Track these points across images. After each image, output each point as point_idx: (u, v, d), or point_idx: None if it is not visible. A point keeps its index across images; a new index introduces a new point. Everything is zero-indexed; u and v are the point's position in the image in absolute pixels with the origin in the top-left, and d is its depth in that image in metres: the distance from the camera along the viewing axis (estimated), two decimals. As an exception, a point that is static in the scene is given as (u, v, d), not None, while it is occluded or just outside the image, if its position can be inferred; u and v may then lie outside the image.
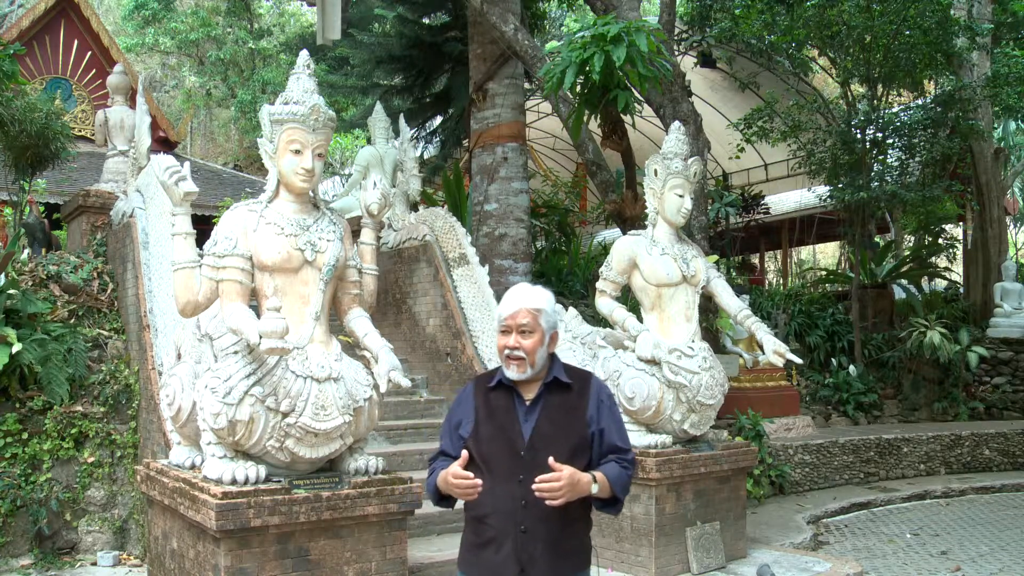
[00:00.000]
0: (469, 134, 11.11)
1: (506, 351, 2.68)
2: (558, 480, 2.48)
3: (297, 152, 4.30)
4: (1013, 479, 9.66)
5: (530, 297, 2.71)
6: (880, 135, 11.83)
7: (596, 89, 7.02)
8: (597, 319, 7.28)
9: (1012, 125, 17.54)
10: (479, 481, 2.57)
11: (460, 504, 2.77)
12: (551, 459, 2.50)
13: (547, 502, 2.50)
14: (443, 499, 2.76)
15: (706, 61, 15.32)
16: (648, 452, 5.55)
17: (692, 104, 8.71)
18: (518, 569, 2.62)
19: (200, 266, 4.23)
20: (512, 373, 2.68)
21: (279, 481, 4.19)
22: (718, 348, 9.08)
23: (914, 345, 11.11)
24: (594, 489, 2.59)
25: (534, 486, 2.49)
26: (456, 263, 8.21)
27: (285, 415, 4.08)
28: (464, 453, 2.62)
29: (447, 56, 13.48)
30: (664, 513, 5.60)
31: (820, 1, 10.66)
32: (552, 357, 2.75)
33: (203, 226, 6.10)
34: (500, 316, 2.72)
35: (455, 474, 2.57)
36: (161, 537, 4.80)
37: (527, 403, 2.70)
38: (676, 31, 11.62)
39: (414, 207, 9.99)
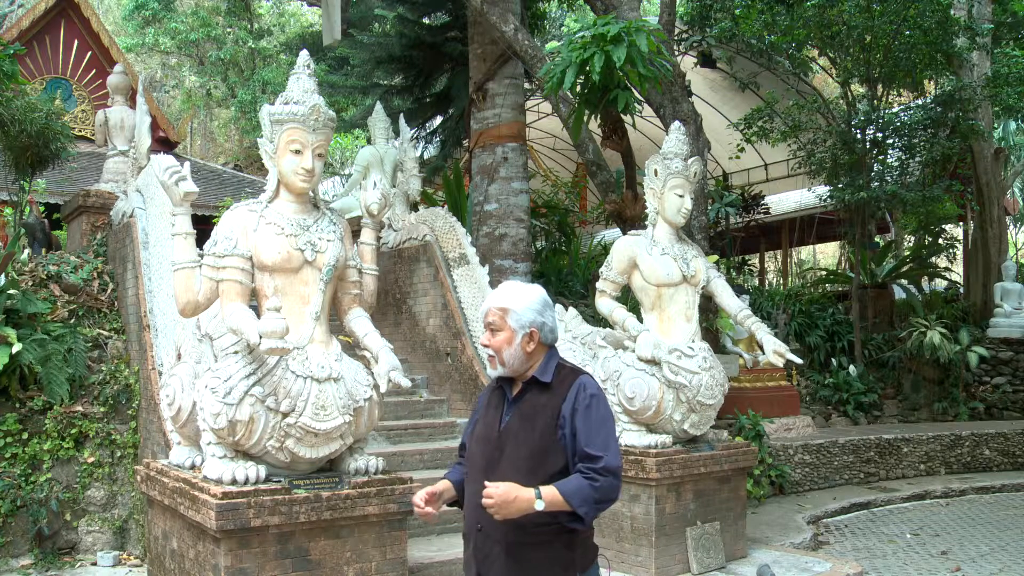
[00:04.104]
0: (469, 134, 11.10)
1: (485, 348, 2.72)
2: (489, 497, 2.39)
3: (297, 152, 4.31)
4: (1013, 479, 9.65)
5: (499, 297, 2.68)
6: (880, 135, 11.82)
7: (596, 89, 7.01)
8: (597, 319, 7.28)
9: (1012, 125, 17.52)
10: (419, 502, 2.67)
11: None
12: (485, 483, 2.45)
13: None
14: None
15: (706, 61, 15.29)
16: (648, 452, 5.55)
17: (692, 104, 8.70)
18: (475, 570, 2.62)
19: (200, 266, 4.24)
20: (490, 369, 2.72)
21: (279, 481, 4.19)
22: (718, 348, 9.08)
23: (914, 345, 11.10)
24: (539, 506, 2.40)
25: (484, 500, 2.43)
26: (456, 263, 8.20)
27: (285, 415, 4.08)
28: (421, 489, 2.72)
29: (447, 56, 13.47)
30: (664, 513, 5.60)
31: (820, 1, 10.65)
32: (549, 355, 2.67)
33: (203, 226, 6.09)
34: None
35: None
36: (161, 537, 4.80)
37: (511, 400, 2.70)
38: (676, 31, 11.60)
39: (414, 207, 9.99)
